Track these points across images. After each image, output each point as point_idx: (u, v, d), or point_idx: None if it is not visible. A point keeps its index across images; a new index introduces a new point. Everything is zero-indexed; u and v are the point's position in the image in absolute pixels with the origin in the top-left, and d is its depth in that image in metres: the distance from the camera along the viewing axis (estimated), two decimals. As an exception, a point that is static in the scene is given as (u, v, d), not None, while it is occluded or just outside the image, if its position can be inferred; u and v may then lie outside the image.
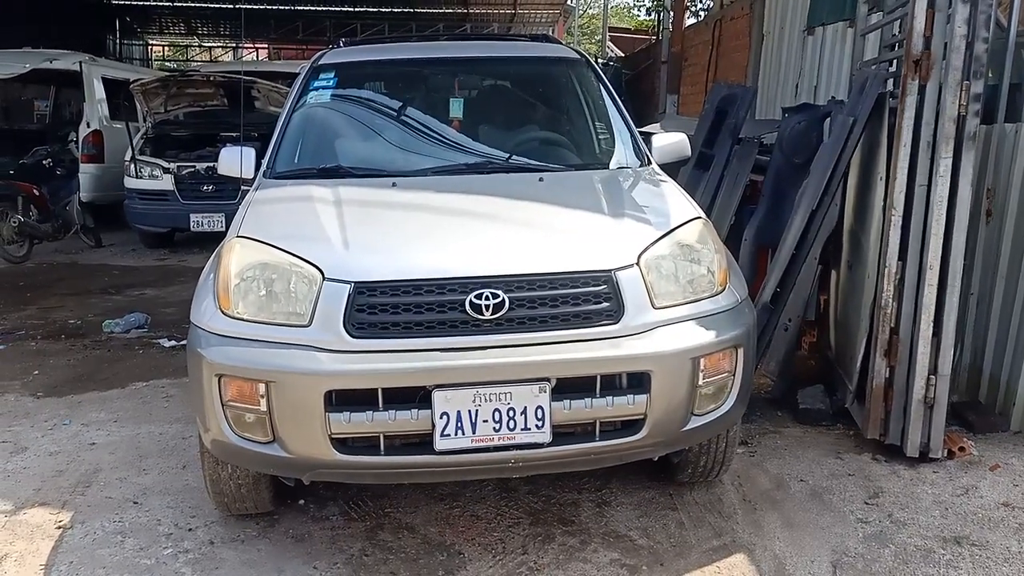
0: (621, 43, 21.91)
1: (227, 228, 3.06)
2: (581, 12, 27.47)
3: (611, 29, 21.98)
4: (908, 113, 3.44)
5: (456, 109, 4.05)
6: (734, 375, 2.79)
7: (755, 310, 3.08)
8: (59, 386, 4.69)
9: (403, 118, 3.99)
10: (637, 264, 2.70)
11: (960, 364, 3.94)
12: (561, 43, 4.87)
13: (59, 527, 3.10)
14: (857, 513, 3.14)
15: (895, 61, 4.13)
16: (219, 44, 29.83)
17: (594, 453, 2.68)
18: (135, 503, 3.27)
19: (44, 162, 9.52)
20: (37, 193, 8.63)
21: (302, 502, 3.22)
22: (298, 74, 4.26)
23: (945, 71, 3.37)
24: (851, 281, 4.07)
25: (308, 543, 2.98)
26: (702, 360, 2.67)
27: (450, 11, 22.08)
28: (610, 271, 2.66)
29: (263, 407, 2.54)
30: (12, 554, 2.92)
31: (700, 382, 2.67)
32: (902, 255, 3.49)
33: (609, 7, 21.91)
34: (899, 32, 4.23)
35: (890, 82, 4.13)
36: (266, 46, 27.49)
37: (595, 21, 29.11)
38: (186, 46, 30.86)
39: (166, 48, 30.99)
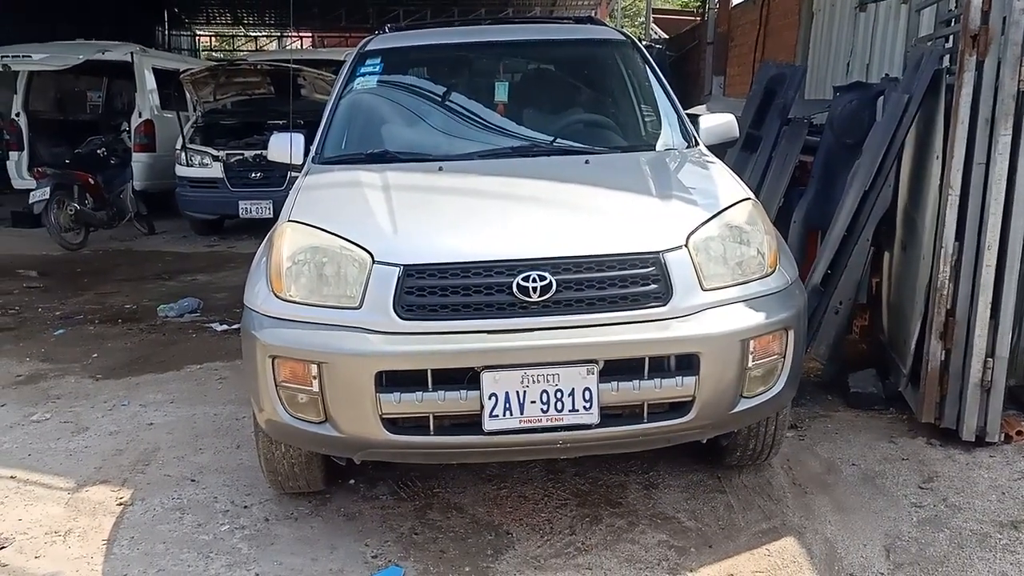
0: (665, 24, 21.61)
1: (275, 214, 3.12)
2: (624, -6, 27.14)
3: (655, 11, 21.67)
4: (966, 90, 3.35)
5: (501, 92, 4.05)
6: (784, 357, 2.76)
7: (805, 292, 3.04)
8: (117, 368, 4.83)
9: (449, 102, 4.01)
10: (685, 246, 2.68)
11: (1018, 347, 3.83)
12: (606, 25, 4.83)
13: (120, 504, 3.21)
14: (911, 497, 3.09)
15: (951, 37, 4.01)
16: (264, 33, 30.19)
17: (642, 435, 2.68)
18: (192, 481, 3.37)
19: (98, 151, 9.74)
20: (92, 182, 8.86)
21: (352, 481, 3.28)
22: (343, 61, 4.30)
23: (1004, 46, 3.27)
24: (905, 263, 3.98)
25: (359, 521, 3.03)
26: (752, 342, 2.65)
27: (492, -5, 21.99)
28: (658, 253, 2.65)
29: (315, 388, 2.59)
30: (75, 530, 3.03)
31: (749, 364, 2.65)
32: (959, 235, 3.41)
33: (653, -12, 21.61)
34: (955, 7, 4.11)
35: (946, 59, 4.01)
36: (310, 34, 27.73)
37: (638, 3, 28.75)
38: (232, 36, 31.29)
39: (213, 38, 31.46)
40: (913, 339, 3.66)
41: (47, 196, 8.30)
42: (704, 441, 2.95)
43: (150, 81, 10.06)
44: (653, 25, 21.07)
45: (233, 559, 2.82)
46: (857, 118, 4.57)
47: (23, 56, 9.55)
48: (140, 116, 9.84)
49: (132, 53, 10.03)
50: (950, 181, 3.40)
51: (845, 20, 7.59)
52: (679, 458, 3.35)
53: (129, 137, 9.92)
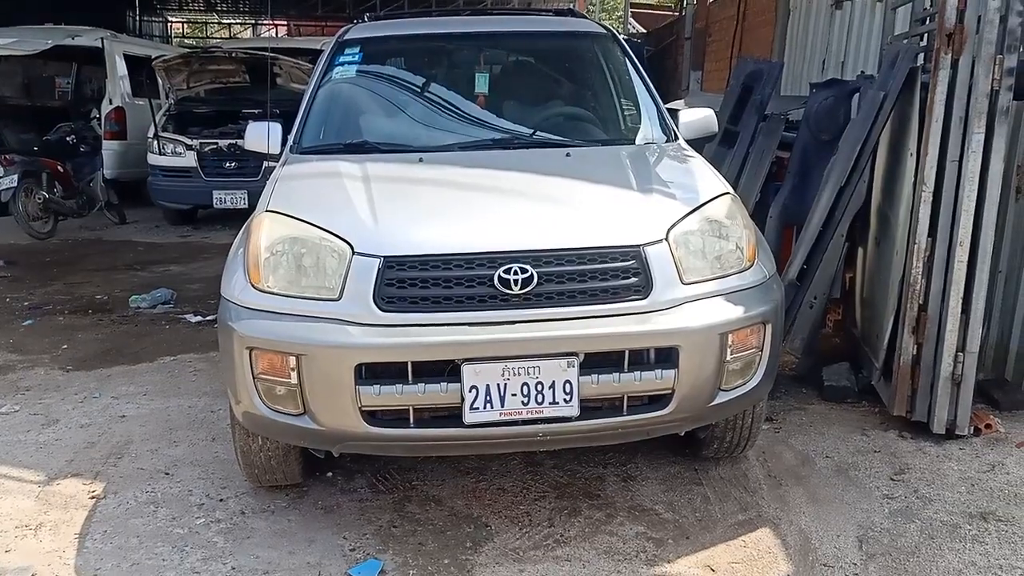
0: (643, 19, 21.66)
1: (250, 205, 3.08)
2: (601, -13, 27.17)
3: (632, 5, 21.71)
4: (940, 88, 3.39)
5: (482, 84, 4.03)
6: (762, 351, 2.79)
7: (783, 287, 3.07)
8: (88, 360, 4.76)
9: (429, 93, 3.98)
10: (666, 239, 2.69)
11: (987, 341, 3.90)
12: (587, 17, 4.83)
13: (92, 497, 3.16)
14: (883, 489, 3.14)
15: (926, 35, 4.06)
16: (238, 21, 29.82)
17: (621, 427, 2.70)
18: (166, 474, 3.33)
19: (68, 139, 9.59)
20: (61, 170, 8.71)
21: (330, 474, 3.27)
22: (321, 50, 4.25)
23: (978, 45, 3.31)
24: (878, 258, 4.04)
25: (337, 514, 3.02)
26: (730, 336, 2.67)
27: (469, -13, 21.90)
28: (639, 246, 2.66)
29: (294, 380, 2.57)
30: (47, 523, 2.98)
31: (728, 357, 2.68)
32: (932, 231, 3.46)
33: (630, -18, 21.64)
34: (931, 5, 4.16)
35: (921, 56, 4.06)
36: (286, 23, 27.43)
37: (615, -3, 28.80)
38: (205, 23, 30.87)
39: (185, 25, 31.00)
40: (886, 334, 3.71)
41: (15, 184, 8.13)
42: (682, 434, 2.97)
43: (121, 67, 9.88)
44: (631, 19, 21.12)
45: (209, 552, 2.79)
46: (833, 115, 4.63)
47: (-11, 40, 9.34)
48: (111, 103, 9.67)
49: (103, 39, 9.84)
50: (924, 178, 3.45)
51: (821, 17, 7.67)
52: (657, 450, 3.38)
53: (99, 124, 9.75)
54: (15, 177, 8.15)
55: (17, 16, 10.63)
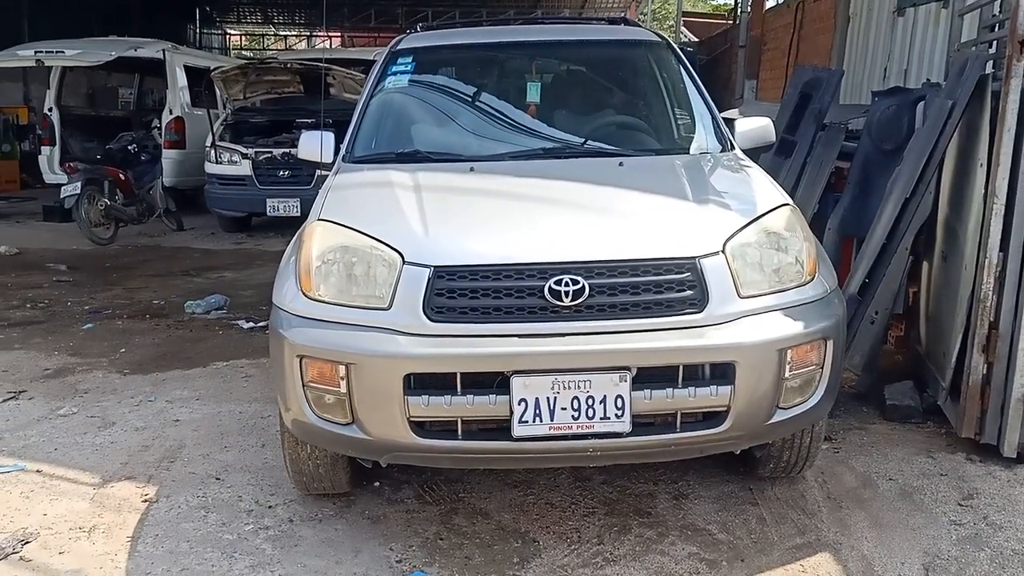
0: (695, 28, 21.45)
1: (302, 213, 3.09)
2: (654, -3, 27.01)
3: (684, 13, 21.53)
4: (1013, 96, 3.25)
5: (534, 93, 3.99)
6: (822, 368, 2.68)
7: (844, 301, 2.96)
8: (144, 364, 4.84)
9: (480, 103, 3.96)
10: (723, 251, 2.62)
11: (1062, 362, 3.72)
12: (640, 26, 4.77)
13: (145, 500, 3.19)
14: (950, 515, 3.00)
15: (996, 42, 3.91)
16: (294, 33, 30.42)
17: (674, 445, 2.62)
18: (217, 479, 3.35)
19: (129, 147, 9.85)
20: (123, 177, 8.94)
21: (377, 484, 3.25)
22: (373, 60, 4.26)
23: (1055, 51, 3.17)
24: (945, 273, 3.88)
25: (384, 524, 3.00)
26: (789, 352, 2.58)
27: (521, -2, 22.01)
28: (694, 258, 2.59)
29: (343, 389, 2.55)
30: (100, 526, 3.02)
31: (787, 374, 2.58)
32: (1003, 246, 3.31)
33: (683, -9, 21.48)
34: (1000, 11, 4.00)
35: (991, 64, 3.91)
36: (339, 34, 27.88)
37: (668, 5, 28.59)
38: (262, 35, 31.56)
39: (243, 37, 31.74)
40: (954, 352, 3.56)
41: (78, 191, 8.38)
42: (737, 452, 2.88)
43: (181, 78, 10.13)
44: (683, 28, 20.93)
45: (257, 560, 2.79)
46: (896, 124, 4.48)
47: (56, 51, 9.65)
48: (171, 113, 9.92)
49: (164, 50, 10.11)
50: (995, 190, 3.31)
51: (882, 25, 7.47)
52: (709, 468, 3.28)
53: (159, 134, 10.01)
54: (78, 184, 8.40)
55: (84, 28, 10.98)
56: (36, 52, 9.62)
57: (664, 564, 2.72)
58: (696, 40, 19.77)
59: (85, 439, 3.76)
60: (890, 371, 4.16)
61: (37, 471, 3.43)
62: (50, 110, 10.65)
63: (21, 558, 2.81)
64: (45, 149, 10.68)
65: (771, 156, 5.42)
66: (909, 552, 2.77)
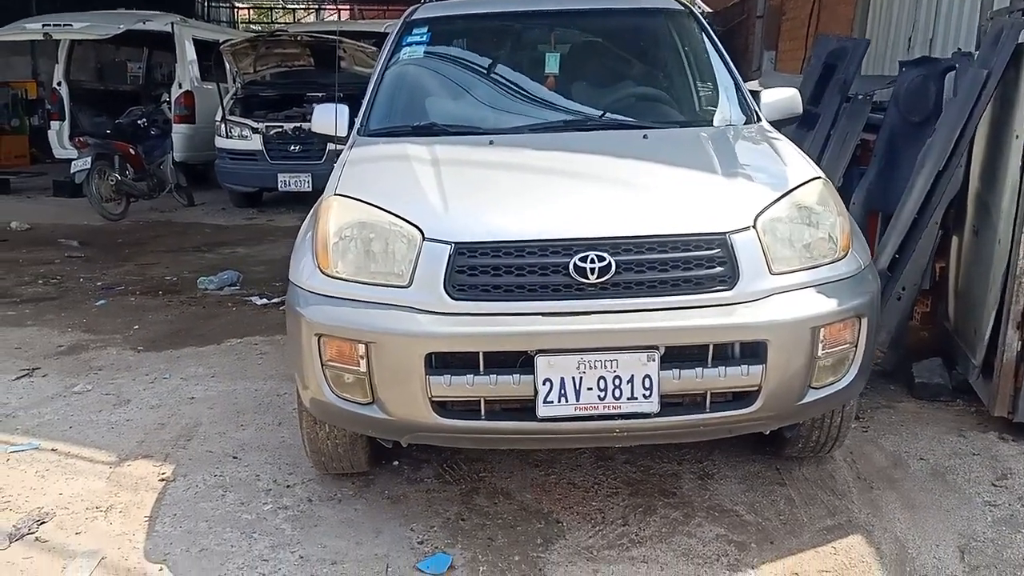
0: (709, -1, 21.06)
1: (313, 188, 3.01)
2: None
3: (698, -16, 21.14)
4: (1053, 64, 3.13)
5: (552, 64, 3.87)
6: (856, 346, 2.60)
7: (879, 278, 2.87)
8: (158, 340, 4.80)
9: (498, 74, 3.85)
10: (754, 227, 2.53)
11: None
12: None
13: (162, 479, 3.16)
14: (984, 495, 2.93)
15: (1033, 8, 3.77)
16: (302, 6, 30.10)
17: (703, 425, 2.55)
18: (234, 458, 3.31)
19: (139, 122, 9.77)
20: (133, 152, 8.87)
21: (396, 463, 3.20)
22: (385, 32, 4.16)
23: (1099, 16, 3.04)
24: (977, 248, 3.78)
25: (404, 505, 2.95)
26: (822, 330, 2.50)
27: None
28: (724, 234, 2.50)
29: (363, 368, 2.49)
30: (117, 505, 2.98)
31: (819, 353, 2.51)
32: (1040, 220, 3.21)
33: (696, -39, 21.07)
34: (1038, -24, 3.85)
35: (1027, 31, 3.77)
36: (348, 6, 27.57)
37: (680, -24, 28.11)
38: (270, 8, 31.25)
39: (251, 10, 31.45)
40: (987, 328, 3.46)
41: (88, 166, 8.33)
42: (767, 432, 2.82)
43: (190, 52, 10.02)
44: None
45: (276, 540, 2.75)
46: (924, 95, 4.34)
47: (64, 25, 9.55)
48: (180, 87, 9.82)
49: (173, 23, 9.99)
50: (1033, 162, 3.19)
51: (907, -8, 7.25)
52: (735, 447, 3.22)
53: (169, 108, 9.91)
54: (89, 159, 8.34)
55: (91, 1, 10.86)
56: (44, 25, 9.52)
57: (692, 546, 2.67)
58: (711, 11, 19.42)
59: (100, 417, 3.72)
60: (917, 348, 4.07)
61: (52, 449, 3.40)
62: (59, 84, 10.57)
63: (37, 538, 2.77)
64: (54, 124, 10.62)
65: (793, 128, 5.28)
66: (944, 534, 2.71)
